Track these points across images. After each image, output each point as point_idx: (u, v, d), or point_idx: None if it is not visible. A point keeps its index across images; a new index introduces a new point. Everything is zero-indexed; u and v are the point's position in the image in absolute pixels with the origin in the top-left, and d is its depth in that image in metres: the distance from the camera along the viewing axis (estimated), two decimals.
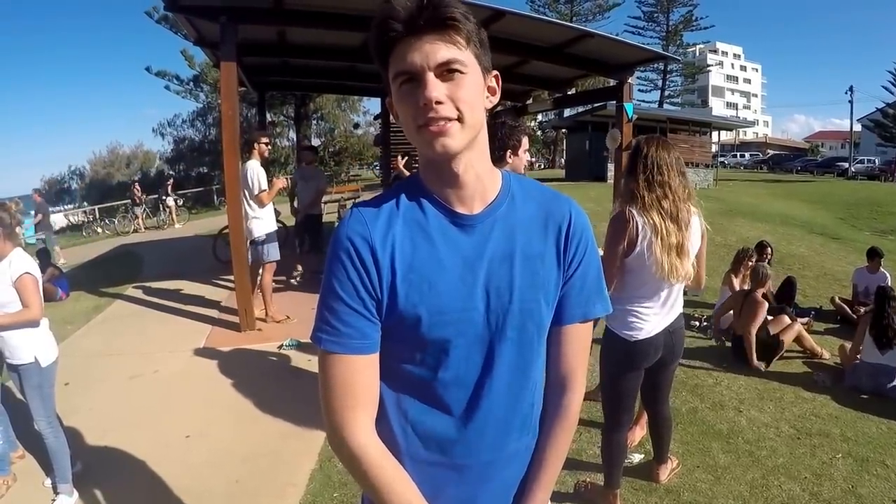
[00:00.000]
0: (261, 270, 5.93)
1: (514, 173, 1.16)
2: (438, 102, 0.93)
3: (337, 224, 1.06)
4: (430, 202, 1.05)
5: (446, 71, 0.94)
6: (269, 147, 6.14)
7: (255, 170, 5.71)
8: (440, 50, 0.93)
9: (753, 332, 4.76)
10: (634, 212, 2.47)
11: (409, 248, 1.02)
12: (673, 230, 2.45)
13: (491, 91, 1.05)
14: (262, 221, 5.83)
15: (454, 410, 1.07)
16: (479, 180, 1.04)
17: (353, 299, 1.00)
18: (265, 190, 5.72)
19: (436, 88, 0.93)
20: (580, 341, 1.16)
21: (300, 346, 5.24)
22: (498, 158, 2.95)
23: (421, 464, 1.09)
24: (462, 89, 0.95)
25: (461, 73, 0.95)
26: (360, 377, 1.02)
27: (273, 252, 5.89)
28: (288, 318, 6.02)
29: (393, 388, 1.08)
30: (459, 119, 0.95)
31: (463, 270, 1.02)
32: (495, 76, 1.06)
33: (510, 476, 1.15)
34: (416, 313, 1.00)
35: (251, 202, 5.74)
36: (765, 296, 6.09)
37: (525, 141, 3.01)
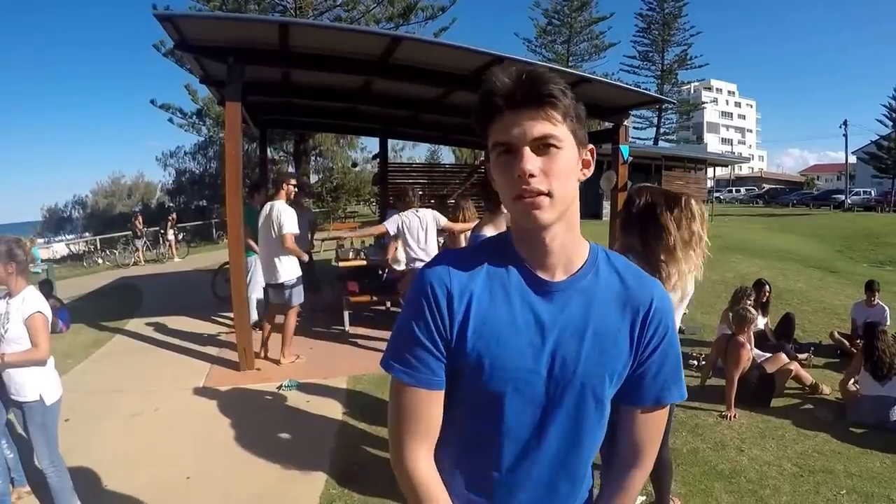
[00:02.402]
0: (287, 312, 5.88)
1: (604, 248, 1.19)
2: (532, 176, 0.98)
3: (421, 267, 1.14)
4: (515, 263, 1.10)
5: (542, 145, 0.99)
6: (296, 189, 6.19)
7: (280, 210, 5.69)
8: (536, 125, 0.98)
9: (735, 376, 4.72)
10: (632, 258, 2.50)
11: (486, 302, 1.07)
12: (662, 278, 2.49)
13: (585, 164, 1.08)
14: (291, 263, 5.79)
15: (500, 463, 1.12)
16: (564, 250, 1.08)
17: (427, 338, 1.07)
18: (293, 235, 5.68)
19: (530, 162, 0.98)
20: (652, 423, 1.18)
21: (299, 387, 5.23)
22: (496, 207, 2.99)
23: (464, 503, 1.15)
24: (556, 163, 1.00)
25: (556, 147, 1.00)
26: (426, 409, 1.10)
27: (300, 296, 5.89)
28: (298, 357, 6.02)
29: (450, 431, 1.14)
30: (550, 194, 0.99)
31: (533, 334, 1.06)
32: (590, 150, 1.09)
33: None
34: (480, 363, 1.06)
35: (275, 243, 5.71)
36: (763, 334, 6.14)
37: None
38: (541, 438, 1.10)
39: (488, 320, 1.06)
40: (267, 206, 5.85)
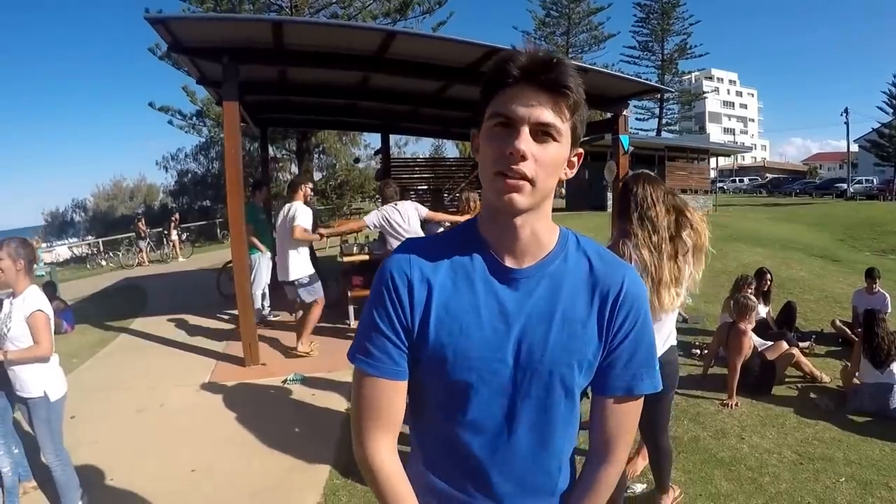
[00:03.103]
0: (312, 305, 6.00)
1: (576, 232, 1.16)
2: (523, 158, 0.95)
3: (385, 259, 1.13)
4: (480, 250, 1.08)
5: (542, 132, 0.96)
6: (312, 192, 6.35)
7: (297, 208, 5.84)
8: (545, 111, 0.96)
9: (737, 364, 4.73)
10: (629, 244, 2.54)
11: (449, 290, 1.05)
12: (664, 265, 2.52)
13: (570, 165, 1.05)
14: (302, 262, 5.90)
15: (469, 456, 1.10)
16: (534, 237, 1.05)
17: (388, 328, 1.06)
18: (304, 229, 5.80)
19: (526, 143, 0.95)
20: (623, 415, 1.13)
21: (303, 381, 5.27)
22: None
23: (437, 499, 1.14)
24: (548, 154, 0.97)
25: (554, 139, 0.97)
26: (388, 400, 1.08)
27: (318, 291, 6.01)
28: (312, 350, 6.08)
29: (420, 424, 1.15)
30: (533, 182, 0.97)
31: (497, 322, 1.04)
32: (578, 154, 1.06)
33: None
34: (443, 352, 1.04)
35: (293, 241, 5.81)
36: (765, 322, 6.14)
37: None
38: (510, 430, 1.08)
39: (451, 309, 1.04)
40: (285, 208, 5.97)
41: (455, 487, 1.13)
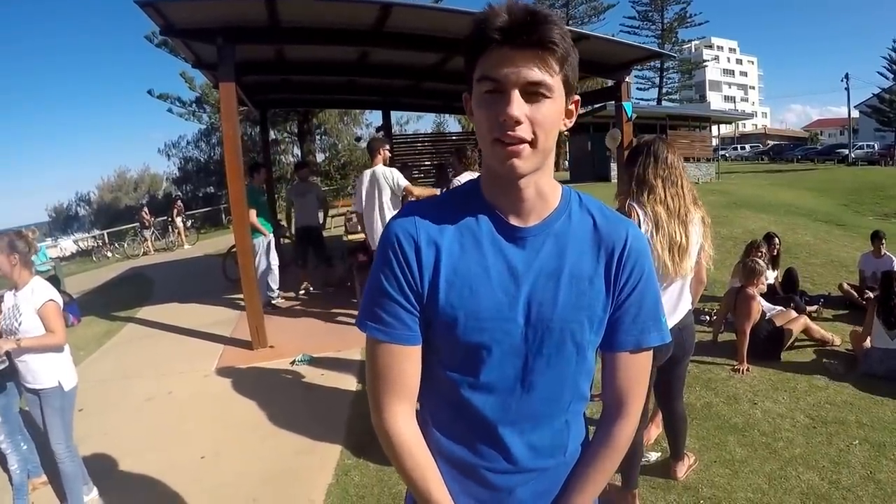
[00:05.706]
0: None
1: (577, 190, 1.15)
2: (518, 123, 0.93)
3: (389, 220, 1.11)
4: (485, 211, 1.06)
5: (532, 92, 0.94)
6: (391, 154, 6.05)
7: (384, 171, 5.59)
8: (532, 71, 0.93)
9: (746, 329, 4.70)
10: (635, 205, 2.50)
11: (456, 252, 1.04)
12: (678, 230, 2.47)
13: (568, 114, 1.04)
14: None
15: (482, 418, 1.08)
16: (539, 196, 1.05)
17: (397, 292, 1.04)
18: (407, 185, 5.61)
19: (518, 107, 0.93)
20: (634, 369, 1.13)
21: (312, 362, 5.26)
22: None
23: (450, 462, 1.13)
24: (542, 113, 0.95)
25: (546, 97, 0.95)
26: (402, 366, 1.07)
27: None
28: None
29: (431, 388, 1.12)
30: (533, 143, 0.95)
31: (507, 281, 1.03)
32: (575, 101, 1.05)
33: (536, 492, 1.15)
34: (454, 315, 1.03)
35: (387, 205, 5.57)
36: (773, 288, 6.10)
37: None
38: (522, 390, 1.07)
39: (460, 270, 1.03)
40: (367, 173, 5.66)
41: (467, 449, 1.11)
